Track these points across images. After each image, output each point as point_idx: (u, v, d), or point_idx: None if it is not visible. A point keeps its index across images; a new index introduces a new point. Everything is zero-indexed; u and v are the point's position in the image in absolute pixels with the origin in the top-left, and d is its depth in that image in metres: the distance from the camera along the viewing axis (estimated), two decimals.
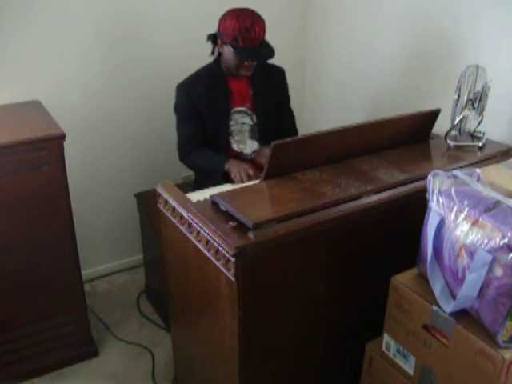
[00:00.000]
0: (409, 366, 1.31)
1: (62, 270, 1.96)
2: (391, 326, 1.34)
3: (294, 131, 2.22)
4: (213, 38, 1.95)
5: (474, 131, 1.86)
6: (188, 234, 1.42)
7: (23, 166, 1.76)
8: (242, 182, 1.78)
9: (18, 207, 1.79)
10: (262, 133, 2.09)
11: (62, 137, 1.78)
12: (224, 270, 1.26)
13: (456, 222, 1.15)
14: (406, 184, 1.52)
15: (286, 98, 2.19)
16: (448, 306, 1.17)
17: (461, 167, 1.63)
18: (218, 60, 1.99)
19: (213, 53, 1.99)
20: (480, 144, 1.80)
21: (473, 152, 1.77)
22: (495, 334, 1.08)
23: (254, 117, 2.06)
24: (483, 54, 1.90)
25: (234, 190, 1.47)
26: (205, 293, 1.45)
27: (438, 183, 1.24)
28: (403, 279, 1.30)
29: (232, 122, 2.03)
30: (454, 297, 1.17)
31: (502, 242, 1.03)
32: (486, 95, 1.77)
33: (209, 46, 1.99)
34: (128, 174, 2.54)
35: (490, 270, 1.06)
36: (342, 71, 2.64)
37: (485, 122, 1.81)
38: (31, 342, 2.01)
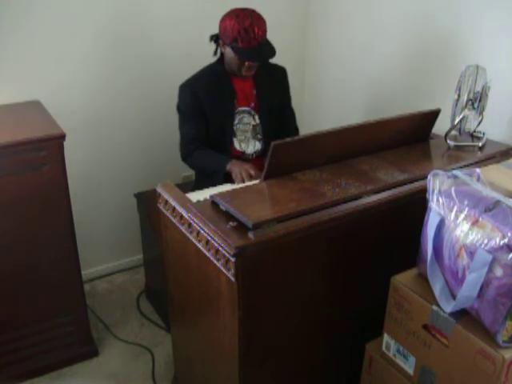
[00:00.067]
0: (409, 366, 1.31)
1: (62, 270, 1.96)
2: (391, 326, 1.34)
3: (296, 131, 2.23)
4: (215, 38, 1.95)
5: (474, 131, 1.86)
6: (188, 234, 1.42)
7: (23, 166, 1.76)
8: (243, 182, 1.78)
9: (18, 207, 1.79)
10: (264, 133, 2.09)
11: (62, 137, 1.78)
12: (224, 270, 1.26)
13: (456, 222, 1.15)
14: (405, 184, 1.52)
15: (288, 98, 2.20)
16: (448, 306, 1.17)
17: (461, 167, 1.63)
18: (222, 60, 1.99)
19: (215, 53, 2.00)
20: (480, 144, 1.80)
21: (473, 152, 1.77)
22: (495, 334, 1.08)
23: (257, 117, 2.06)
24: (483, 54, 1.90)
25: (233, 190, 1.47)
26: (205, 293, 1.45)
27: (438, 183, 1.24)
28: (403, 279, 1.30)
29: (236, 122, 2.03)
30: (454, 297, 1.17)
31: (502, 242, 1.03)
32: (486, 95, 1.77)
33: (209, 45, 1.99)
34: (128, 174, 2.54)
35: (490, 269, 1.06)
36: (342, 71, 2.64)
37: (485, 121, 1.81)
38: (31, 342, 2.01)
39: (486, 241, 1.06)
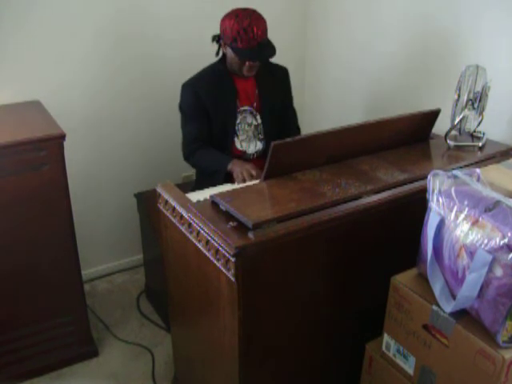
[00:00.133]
0: (409, 366, 1.31)
1: (62, 270, 1.96)
2: (391, 326, 1.34)
3: (297, 130, 2.24)
4: (217, 38, 1.95)
5: (474, 131, 1.86)
6: (188, 234, 1.42)
7: (23, 166, 1.76)
8: (244, 181, 1.78)
9: (18, 207, 1.79)
10: (266, 133, 2.09)
11: (62, 137, 1.78)
12: (224, 270, 1.26)
13: (456, 222, 1.15)
14: (405, 184, 1.52)
15: (290, 98, 2.20)
16: (448, 306, 1.17)
17: (461, 167, 1.63)
18: (224, 59, 1.99)
19: (217, 53, 2.00)
20: (480, 144, 1.80)
21: (473, 152, 1.77)
22: (495, 333, 1.08)
23: (259, 116, 2.07)
24: (483, 54, 1.90)
25: (233, 190, 1.48)
26: (205, 293, 1.45)
27: (438, 183, 1.24)
28: (403, 279, 1.30)
29: (237, 121, 2.03)
30: (454, 297, 1.17)
31: (502, 242, 1.03)
32: (486, 95, 1.77)
33: (209, 45, 1.99)
34: (128, 174, 2.54)
35: (490, 269, 1.06)
36: (342, 71, 2.64)
37: (485, 121, 1.81)
38: (31, 342, 2.01)
39: (486, 241, 1.06)
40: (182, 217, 1.43)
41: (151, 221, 2.19)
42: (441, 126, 1.84)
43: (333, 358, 1.62)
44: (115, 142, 2.46)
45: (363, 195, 1.44)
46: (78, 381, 2.04)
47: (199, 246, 1.37)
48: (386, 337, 1.37)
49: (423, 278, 1.28)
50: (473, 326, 1.13)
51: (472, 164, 1.67)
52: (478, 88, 1.76)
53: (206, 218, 1.33)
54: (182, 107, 2.02)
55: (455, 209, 1.16)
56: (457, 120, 1.80)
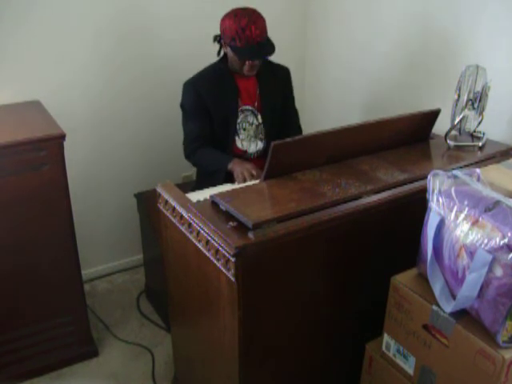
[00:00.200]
0: (409, 366, 1.31)
1: (62, 270, 1.96)
2: (391, 326, 1.34)
3: (299, 130, 2.23)
4: (219, 39, 1.95)
5: (474, 131, 1.86)
6: (188, 234, 1.42)
7: (23, 166, 1.76)
8: (245, 181, 1.78)
9: (18, 207, 1.79)
10: (267, 132, 2.09)
11: (62, 137, 1.78)
12: (224, 270, 1.26)
13: (456, 222, 1.15)
14: (405, 184, 1.52)
15: (291, 98, 2.20)
16: (448, 306, 1.17)
17: (461, 167, 1.63)
18: (225, 59, 1.99)
19: (219, 53, 2.00)
20: (480, 144, 1.80)
21: (473, 152, 1.77)
22: (495, 333, 1.08)
23: (260, 116, 2.07)
24: (483, 53, 1.90)
25: (233, 190, 1.47)
26: (205, 293, 1.45)
27: (438, 183, 1.24)
28: (403, 279, 1.30)
29: (239, 121, 2.04)
30: (454, 297, 1.17)
31: (502, 242, 1.03)
32: (486, 95, 1.77)
33: (209, 45, 1.99)
34: (128, 174, 2.54)
35: (490, 270, 1.06)
36: (342, 71, 2.64)
37: (485, 121, 1.81)
38: (31, 342, 2.01)
39: (486, 241, 1.06)
40: (182, 217, 1.43)
41: (151, 221, 2.19)
42: (441, 126, 1.84)
43: (333, 358, 1.62)
44: (115, 142, 2.46)
45: (363, 195, 1.44)
46: (77, 381, 2.04)
47: (199, 246, 1.37)
48: (386, 337, 1.37)
49: (423, 278, 1.28)
50: (473, 326, 1.13)
51: (472, 164, 1.67)
52: (478, 88, 1.76)
53: (206, 218, 1.33)
54: (183, 106, 2.03)
55: (455, 209, 1.16)
56: (457, 120, 1.80)
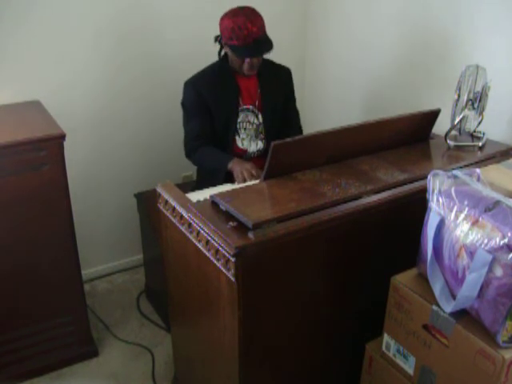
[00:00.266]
0: (409, 366, 1.31)
1: (62, 270, 1.96)
2: (391, 326, 1.34)
3: (300, 131, 2.23)
4: (219, 39, 1.96)
5: (474, 131, 1.86)
6: (188, 234, 1.42)
7: (23, 166, 1.76)
8: (245, 181, 1.78)
9: (18, 207, 1.79)
10: (267, 132, 2.09)
11: (62, 137, 1.78)
12: (224, 270, 1.26)
13: (456, 222, 1.15)
14: (405, 184, 1.52)
15: (292, 98, 2.20)
16: (448, 306, 1.17)
17: (461, 167, 1.63)
18: (226, 58, 1.99)
19: (220, 53, 2.00)
20: (480, 144, 1.80)
21: (473, 152, 1.77)
22: (495, 333, 1.08)
23: (260, 116, 2.07)
24: (483, 54, 1.90)
25: (233, 190, 1.47)
26: (205, 293, 1.45)
27: (438, 183, 1.24)
28: (403, 279, 1.30)
29: (239, 120, 2.04)
30: (454, 297, 1.17)
31: (502, 242, 1.03)
32: (486, 95, 1.77)
33: (210, 44, 2.00)
34: (128, 174, 2.54)
35: (490, 270, 1.06)
36: (341, 71, 2.64)
37: (485, 121, 1.81)
38: (31, 342, 2.01)
39: (486, 241, 1.06)
40: (182, 217, 1.43)
41: (151, 221, 2.19)
42: (441, 126, 1.84)
43: (333, 358, 1.62)
44: (115, 142, 2.46)
45: (363, 195, 1.44)
46: (77, 381, 2.04)
47: (199, 246, 1.37)
48: (386, 337, 1.37)
49: (423, 278, 1.28)
50: (473, 326, 1.13)
51: (472, 164, 1.67)
52: (478, 88, 1.76)
53: (206, 218, 1.33)
54: (184, 104, 2.03)
55: (455, 209, 1.16)
56: (457, 120, 1.80)
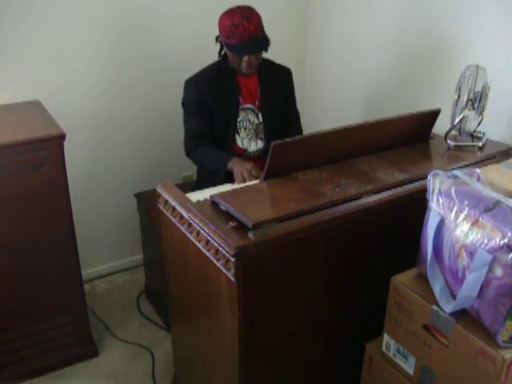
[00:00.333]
0: (409, 366, 1.31)
1: (62, 270, 1.96)
2: (391, 326, 1.34)
3: (300, 131, 2.23)
4: (220, 39, 1.96)
5: (474, 131, 1.86)
6: (188, 234, 1.42)
7: (23, 166, 1.76)
8: (244, 181, 1.78)
9: (18, 207, 1.79)
10: (267, 131, 2.09)
11: (62, 137, 1.78)
12: (224, 270, 1.26)
13: (456, 222, 1.15)
14: (405, 184, 1.52)
15: (293, 99, 2.20)
16: (448, 306, 1.17)
17: (461, 167, 1.63)
18: (227, 58, 2.00)
19: (220, 53, 2.01)
20: (480, 144, 1.80)
21: (473, 152, 1.77)
22: (495, 333, 1.08)
23: (260, 115, 2.07)
24: (483, 54, 1.90)
25: (233, 190, 1.47)
26: (205, 293, 1.45)
27: (438, 183, 1.24)
28: (403, 279, 1.30)
29: (239, 119, 2.04)
30: (454, 297, 1.17)
31: (502, 242, 1.03)
32: (486, 95, 1.77)
33: (209, 44, 2.00)
34: (128, 174, 2.54)
35: (490, 270, 1.06)
36: (341, 70, 2.64)
37: (485, 121, 1.81)
38: (31, 342, 2.01)
39: (486, 241, 1.06)
40: (182, 217, 1.43)
41: (151, 221, 2.19)
42: (441, 126, 1.84)
43: (333, 358, 1.62)
44: (115, 142, 2.46)
45: (363, 195, 1.44)
46: (77, 381, 2.04)
47: (199, 246, 1.37)
48: (386, 337, 1.37)
49: (423, 278, 1.28)
50: (473, 326, 1.13)
51: (472, 164, 1.67)
52: (478, 88, 1.76)
53: (206, 218, 1.33)
54: (184, 103, 2.03)
55: (455, 209, 1.16)
56: (457, 120, 1.80)
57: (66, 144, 1.80)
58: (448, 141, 1.80)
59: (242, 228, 1.28)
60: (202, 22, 2.35)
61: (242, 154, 2.07)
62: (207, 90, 1.97)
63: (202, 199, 1.46)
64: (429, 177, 1.27)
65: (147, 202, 2.24)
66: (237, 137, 2.06)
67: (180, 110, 2.06)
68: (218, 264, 1.28)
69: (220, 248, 1.25)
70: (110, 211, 2.57)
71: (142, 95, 2.44)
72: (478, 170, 1.29)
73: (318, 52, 2.78)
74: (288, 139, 1.49)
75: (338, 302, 1.51)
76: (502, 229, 1.04)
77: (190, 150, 2.02)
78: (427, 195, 1.27)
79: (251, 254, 1.22)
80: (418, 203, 1.34)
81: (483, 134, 1.83)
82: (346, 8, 2.53)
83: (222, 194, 1.41)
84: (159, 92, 2.46)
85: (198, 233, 1.35)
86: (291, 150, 1.53)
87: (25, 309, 1.96)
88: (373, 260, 1.50)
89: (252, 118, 2.06)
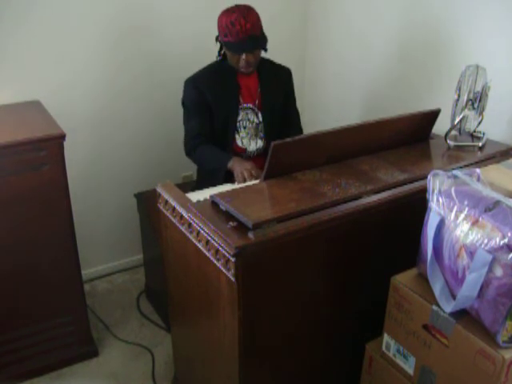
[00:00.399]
0: (409, 366, 1.31)
1: (62, 270, 1.96)
2: (391, 326, 1.34)
3: (300, 131, 2.23)
4: (219, 38, 1.96)
5: (474, 131, 1.86)
6: (188, 234, 1.42)
7: (23, 166, 1.76)
8: (245, 181, 1.78)
9: (18, 207, 1.79)
10: (267, 131, 2.10)
11: (62, 137, 1.78)
12: (224, 270, 1.26)
13: (456, 222, 1.15)
14: (405, 184, 1.52)
15: (292, 98, 2.20)
16: (448, 306, 1.17)
17: (461, 167, 1.63)
18: (226, 57, 2.00)
19: (219, 53, 2.01)
20: (480, 144, 1.80)
21: (473, 152, 1.77)
22: (495, 333, 1.08)
23: (260, 115, 2.07)
24: (483, 54, 1.90)
25: (233, 190, 1.47)
26: (205, 293, 1.45)
27: (438, 183, 1.24)
28: (403, 279, 1.30)
29: (239, 118, 2.04)
30: (454, 297, 1.17)
31: (502, 242, 1.03)
32: (486, 95, 1.77)
33: (209, 44, 2.00)
34: (128, 174, 2.54)
35: (490, 270, 1.06)
36: (341, 70, 2.64)
37: (485, 121, 1.81)
38: (31, 342, 2.01)
39: (486, 241, 1.06)
40: (182, 217, 1.43)
41: (151, 221, 2.19)
42: (441, 126, 1.84)
43: (333, 358, 1.62)
44: (115, 142, 2.46)
45: (363, 195, 1.44)
46: (77, 381, 2.04)
47: (199, 245, 1.37)
48: (386, 337, 1.37)
49: (423, 278, 1.28)
50: (473, 326, 1.13)
51: (472, 164, 1.67)
52: (478, 88, 1.76)
53: (206, 218, 1.33)
54: (184, 103, 2.03)
55: (455, 209, 1.16)
56: (457, 120, 1.80)
57: (66, 144, 1.80)
58: (448, 141, 1.80)
59: (241, 228, 1.28)
60: (201, 21, 2.35)
61: (242, 154, 2.07)
62: (207, 89, 1.97)
63: (202, 199, 1.46)
64: (429, 177, 1.27)
65: (147, 201, 2.24)
66: (236, 136, 2.06)
67: (180, 110, 2.06)
68: (218, 264, 1.28)
69: (220, 248, 1.25)
70: (110, 211, 2.57)
71: (142, 95, 2.44)
72: (477, 170, 1.29)
73: (318, 52, 2.78)
74: (288, 139, 1.49)
75: (338, 302, 1.51)
76: (502, 229, 1.04)
77: (190, 150, 2.03)
78: (427, 195, 1.27)
79: (251, 254, 1.22)
80: (418, 203, 1.34)
81: (483, 134, 1.83)
82: (346, 8, 2.53)
83: (222, 194, 1.41)
84: (159, 92, 2.46)
85: (198, 233, 1.35)
86: (291, 150, 1.53)
87: (25, 309, 1.96)
88: (373, 260, 1.50)
89: (252, 117, 2.06)
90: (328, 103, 2.79)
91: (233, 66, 1.97)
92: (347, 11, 2.52)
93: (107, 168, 2.48)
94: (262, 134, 2.10)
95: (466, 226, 1.12)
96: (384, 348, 1.38)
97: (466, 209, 1.13)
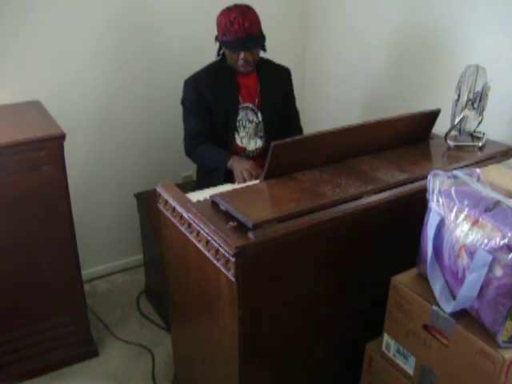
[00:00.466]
0: (409, 366, 1.31)
1: (62, 270, 1.96)
2: (391, 326, 1.34)
3: (300, 131, 2.24)
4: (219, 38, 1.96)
5: (474, 131, 1.86)
6: (188, 234, 1.42)
7: (23, 166, 1.76)
8: (244, 181, 1.78)
9: (18, 207, 1.79)
10: (266, 131, 2.10)
11: (62, 137, 1.78)
12: (224, 270, 1.26)
13: (456, 222, 1.15)
14: (406, 184, 1.52)
15: (292, 98, 2.20)
16: (448, 306, 1.17)
17: (461, 167, 1.63)
18: (225, 57, 2.00)
19: (219, 53, 2.01)
20: (480, 144, 1.80)
21: (473, 152, 1.77)
22: (495, 334, 1.08)
23: (260, 114, 2.07)
24: (483, 54, 1.90)
25: (233, 190, 1.47)
26: (205, 293, 1.45)
27: (438, 183, 1.24)
28: (403, 279, 1.30)
29: (239, 118, 2.04)
30: (453, 297, 1.17)
31: (502, 242, 1.03)
32: (486, 95, 1.77)
33: (209, 44, 2.00)
34: (128, 174, 2.54)
35: (490, 270, 1.06)
36: (341, 70, 2.64)
37: (485, 121, 1.81)
38: (31, 342, 2.01)
39: (486, 241, 1.06)
40: (182, 217, 1.43)
41: (151, 221, 2.19)
42: (441, 126, 1.84)
43: (333, 358, 1.62)
44: (115, 142, 2.46)
45: (363, 195, 1.44)
46: (77, 381, 2.04)
47: (199, 246, 1.37)
48: (385, 337, 1.37)
49: (423, 278, 1.28)
50: (473, 326, 1.13)
51: (472, 164, 1.67)
52: (478, 88, 1.76)
53: (206, 218, 1.33)
54: (184, 102, 2.03)
55: (455, 209, 1.16)
56: (457, 120, 1.80)
57: (66, 144, 1.80)
58: (448, 141, 1.80)
59: (241, 228, 1.28)
60: (201, 21, 2.35)
61: (242, 153, 2.07)
62: (207, 89, 1.97)
63: (201, 199, 1.46)
64: (429, 177, 1.27)
65: (147, 201, 2.24)
66: (236, 136, 2.06)
67: (180, 110, 2.06)
68: (218, 264, 1.28)
69: (220, 248, 1.25)
70: (110, 211, 2.57)
71: (142, 95, 2.44)
72: (477, 170, 1.29)
73: (318, 52, 2.78)
74: (288, 139, 1.49)
75: (338, 302, 1.51)
76: (502, 229, 1.04)
77: (190, 150, 2.03)
78: (427, 195, 1.27)
79: (251, 254, 1.22)
80: (418, 203, 1.34)
81: (483, 134, 1.83)
82: (346, 8, 2.53)
83: (221, 194, 1.41)
84: (159, 92, 2.46)
85: (198, 233, 1.35)
86: (291, 150, 1.53)
87: (25, 309, 1.96)
88: (373, 260, 1.50)
89: (251, 116, 2.06)
90: (328, 103, 2.79)
91: (232, 66, 1.98)
92: (347, 11, 2.52)
93: (107, 168, 2.48)
94: (261, 134, 2.10)
95: (466, 226, 1.12)
96: (384, 348, 1.38)
97: (466, 209, 1.13)
